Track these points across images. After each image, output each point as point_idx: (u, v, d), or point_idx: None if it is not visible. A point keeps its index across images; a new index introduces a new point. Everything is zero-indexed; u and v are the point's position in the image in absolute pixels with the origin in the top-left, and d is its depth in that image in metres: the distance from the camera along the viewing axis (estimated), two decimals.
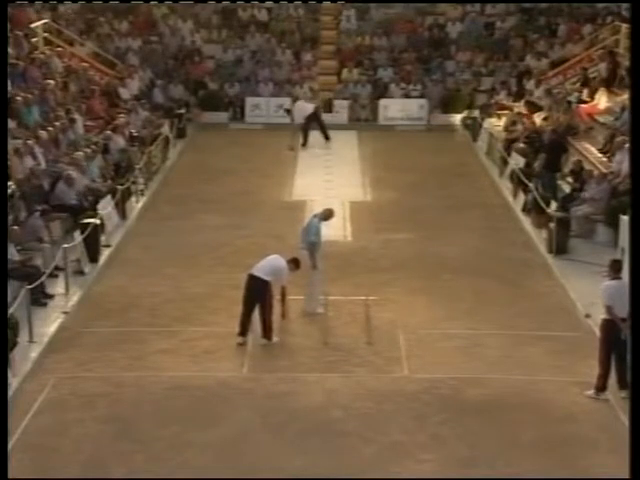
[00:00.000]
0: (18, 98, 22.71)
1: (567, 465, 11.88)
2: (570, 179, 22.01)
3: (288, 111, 29.60)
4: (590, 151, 23.89)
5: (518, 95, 30.86)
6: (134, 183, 22.81)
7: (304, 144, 29.14)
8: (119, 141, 24.58)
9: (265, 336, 15.26)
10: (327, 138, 29.49)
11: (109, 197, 20.69)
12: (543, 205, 20.08)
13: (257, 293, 15.25)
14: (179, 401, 13.47)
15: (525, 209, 21.76)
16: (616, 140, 22.00)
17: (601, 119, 25.54)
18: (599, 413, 13.17)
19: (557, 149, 23.19)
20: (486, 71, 33.40)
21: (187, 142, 29.86)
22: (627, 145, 19.75)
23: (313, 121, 29.38)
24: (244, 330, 15.23)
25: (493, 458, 12.02)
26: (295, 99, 30.64)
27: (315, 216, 16.93)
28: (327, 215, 17.01)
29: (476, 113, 30.96)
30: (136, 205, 22.58)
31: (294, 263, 15.75)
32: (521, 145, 25.23)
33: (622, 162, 20.55)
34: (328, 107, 31.63)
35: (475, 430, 12.68)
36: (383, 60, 34.04)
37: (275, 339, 15.29)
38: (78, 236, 18.05)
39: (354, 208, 22.93)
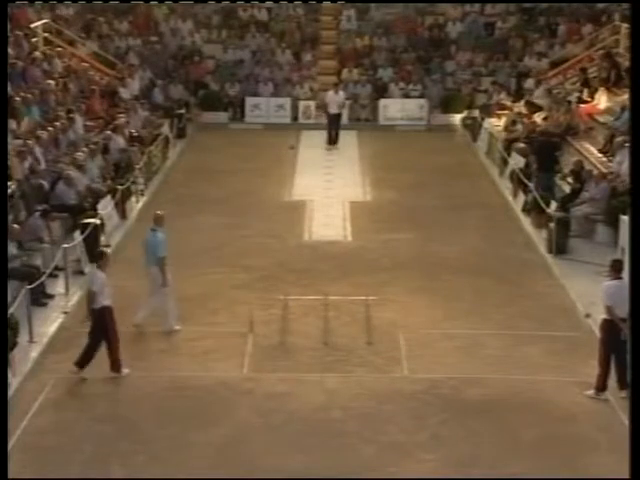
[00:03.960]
0: (18, 98, 22.71)
1: (567, 465, 11.89)
2: (570, 179, 22.01)
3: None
4: (590, 151, 23.88)
5: (518, 95, 30.87)
6: (134, 183, 22.82)
7: (330, 142, 29.14)
8: (119, 141, 24.57)
9: (113, 369, 14.14)
10: (334, 142, 29.29)
11: (109, 197, 20.70)
12: (543, 205, 20.08)
13: (97, 326, 14.11)
14: (179, 401, 13.48)
15: (525, 209, 21.76)
16: (616, 140, 22.00)
17: (601, 119, 25.53)
18: (599, 413, 13.17)
19: (547, 150, 23.22)
20: (486, 71, 33.40)
21: (187, 142, 29.86)
22: (627, 145, 19.75)
23: (335, 121, 29.37)
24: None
25: (493, 458, 12.03)
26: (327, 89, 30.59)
27: (153, 229, 16.00)
28: (159, 221, 16.21)
29: (476, 113, 30.95)
30: (136, 205, 22.58)
31: (100, 259, 14.38)
32: (521, 145, 25.24)
33: (622, 162, 20.55)
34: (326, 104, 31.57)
35: (475, 430, 12.68)
36: (383, 60, 34.04)
37: (125, 371, 14.16)
38: (78, 236, 18.06)
39: (354, 208, 22.94)
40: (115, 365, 14.14)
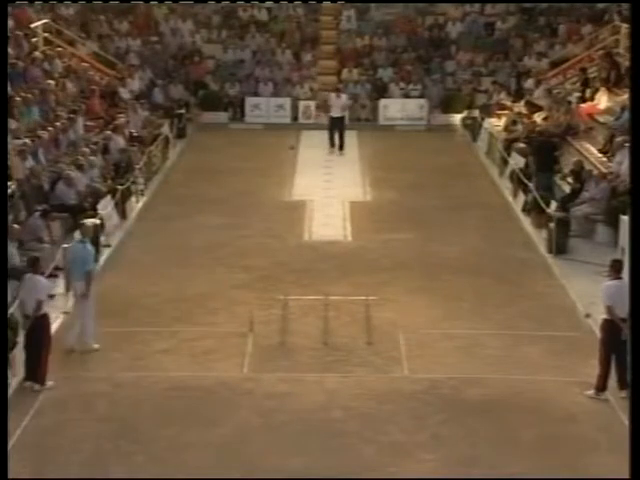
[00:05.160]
0: (18, 98, 22.70)
1: (567, 465, 11.88)
2: (570, 179, 22.02)
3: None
4: (590, 151, 23.87)
5: (518, 95, 30.88)
6: (134, 183, 22.82)
7: (332, 146, 28.86)
8: (119, 141, 24.57)
9: (28, 378, 13.66)
10: (340, 148, 28.85)
11: (109, 197, 20.70)
12: (543, 205, 20.09)
13: (33, 333, 13.73)
14: (179, 401, 13.47)
15: (525, 209, 21.77)
16: (616, 140, 21.99)
17: (601, 119, 25.52)
18: (599, 413, 13.17)
19: (546, 150, 23.22)
20: (486, 71, 33.41)
21: (187, 142, 29.86)
22: (627, 145, 19.75)
23: (338, 125, 29.00)
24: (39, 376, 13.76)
25: (493, 458, 12.02)
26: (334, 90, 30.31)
27: (82, 241, 15.58)
28: (87, 232, 15.99)
29: (476, 113, 30.96)
30: (136, 205, 22.58)
31: (36, 265, 14.14)
32: (521, 145, 25.25)
33: (622, 162, 20.55)
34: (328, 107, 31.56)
35: (475, 430, 12.67)
36: (383, 60, 34.05)
37: (49, 383, 13.68)
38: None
39: (354, 208, 22.93)
40: (36, 375, 13.64)
